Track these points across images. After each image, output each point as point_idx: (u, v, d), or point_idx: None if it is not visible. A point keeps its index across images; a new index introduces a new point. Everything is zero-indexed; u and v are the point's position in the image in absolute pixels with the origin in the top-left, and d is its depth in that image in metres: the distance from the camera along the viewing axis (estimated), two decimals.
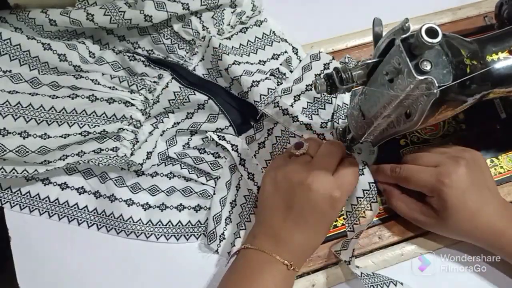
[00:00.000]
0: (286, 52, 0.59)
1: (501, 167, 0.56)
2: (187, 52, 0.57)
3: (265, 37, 0.60)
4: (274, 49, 0.59)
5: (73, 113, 0.51)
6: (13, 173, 0.49)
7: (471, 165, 0.47)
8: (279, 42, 0.60)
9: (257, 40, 0.60)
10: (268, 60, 0.59)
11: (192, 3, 0.55)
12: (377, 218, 0.53)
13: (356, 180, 0.49)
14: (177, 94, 0.54)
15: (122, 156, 0.52)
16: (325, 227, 0.48)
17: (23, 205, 0.52)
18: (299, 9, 0.64)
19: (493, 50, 0.44)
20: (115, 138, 0.53)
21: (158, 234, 0.52)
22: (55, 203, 0.52)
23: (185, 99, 0.55)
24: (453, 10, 0.64)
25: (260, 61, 0.59)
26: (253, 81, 0.54)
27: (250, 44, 0.59)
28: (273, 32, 0.60)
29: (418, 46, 0.36)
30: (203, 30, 0.57)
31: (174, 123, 0.56)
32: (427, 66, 0.37)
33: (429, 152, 0.50)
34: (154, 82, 0.55)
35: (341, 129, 0.53)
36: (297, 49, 0.60)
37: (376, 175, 0.52)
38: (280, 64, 0.59)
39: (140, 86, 0.54)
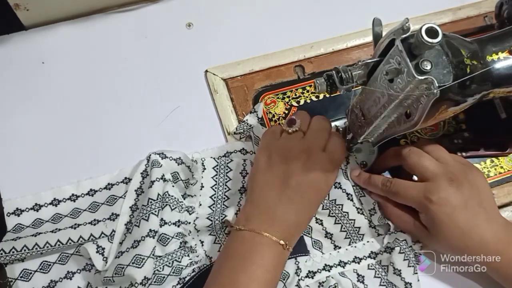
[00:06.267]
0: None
1: (501, 167, 0.56)
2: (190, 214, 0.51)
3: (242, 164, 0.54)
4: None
5: None
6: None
7: (465, 184, 0.46)
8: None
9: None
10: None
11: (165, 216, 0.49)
12: None
13: (344, 154, 0.50)
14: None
15: None
16: (317, 203, 0.49)
17: None
18: (299, 9, 0.64)
19: (493, 50, 0.44)
20: None
21: None
22: None
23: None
24: (453, 10, 0.64)
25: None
26: None
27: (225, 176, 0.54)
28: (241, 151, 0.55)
29: (418, 46, 0.36)
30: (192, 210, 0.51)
31: None
32: (427, 66, 0.37)
33: (433, 154, 0.48)
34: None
35: (341, 129, 0.53)
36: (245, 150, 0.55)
37: (369, 186, 0.50)
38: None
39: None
